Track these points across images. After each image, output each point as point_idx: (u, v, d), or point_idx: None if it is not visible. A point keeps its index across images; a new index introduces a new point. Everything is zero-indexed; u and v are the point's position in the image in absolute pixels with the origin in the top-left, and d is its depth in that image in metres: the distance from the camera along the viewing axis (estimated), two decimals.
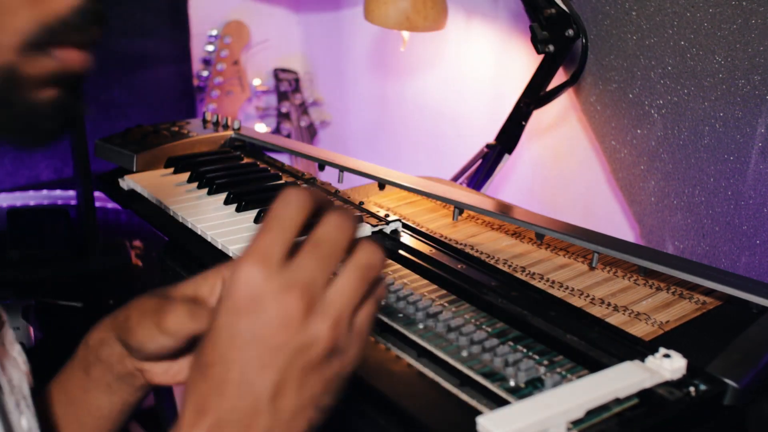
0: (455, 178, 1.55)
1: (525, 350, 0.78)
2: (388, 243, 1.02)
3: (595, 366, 0.75)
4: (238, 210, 1.11)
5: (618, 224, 1.49)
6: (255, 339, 0.53)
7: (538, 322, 0.82)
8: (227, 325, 0.53)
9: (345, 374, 0.57)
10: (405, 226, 1.08)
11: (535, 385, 0.72)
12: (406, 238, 1.05)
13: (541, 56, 1.42)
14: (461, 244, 1.07)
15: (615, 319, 0.87)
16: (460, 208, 1.08)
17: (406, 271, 0.95)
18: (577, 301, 0.91)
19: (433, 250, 1.01)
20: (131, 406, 0.76)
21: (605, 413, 0.67)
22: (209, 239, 1.03)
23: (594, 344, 0.78)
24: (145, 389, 0.75)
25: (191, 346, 0.67)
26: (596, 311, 0.88)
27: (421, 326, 0.82)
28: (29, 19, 0.50)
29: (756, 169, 1.17)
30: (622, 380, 0.68)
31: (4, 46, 0.50)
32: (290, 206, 0.58)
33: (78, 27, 0.52)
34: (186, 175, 1.23)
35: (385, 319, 0.83)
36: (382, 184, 1.18)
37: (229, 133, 1.39)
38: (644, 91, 1.33)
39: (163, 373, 0.72)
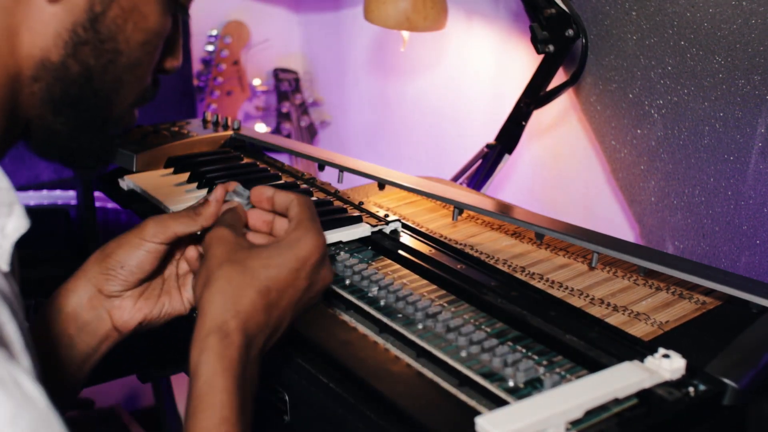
0: (455, 178, 1.55)
1: (524, 350, 0.78)
2: (388, 243, 1.02)
3: (594, 366, 0.74)
4: None
5: (618, 224, 1.49)
6: (306, 286, 0.74)
7: (538, 322, 0.82)
8: (295, 269, 0.72)
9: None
10: (405, 226, 1.08)
11: (534, 386, 0.72)
12: (405, 238, 1.05)
13: (541, 56, 1.42)
14: (461, 244, 1.07)
15: (614, 319, 0.87)
16: (459, 208, 1.08)
17: (406, 271, 0.95)
18: (576, 301, 0.91)
19: (433, 250, 1.01)
20: (90, 359, 0.82)
21: (604, 413, 0.67)
22: None
23: (593, 344, 0.78)
24: (105, 340, 0.82)
25: (154, 274, 0.82)
26: (596, 311, 0.88)
27: (420, 326, 0.82)
28: (144, 86, 0.72)
29: (756, 169, 1.17)
30: (622, 380, 0.68)
31: (127, 102, 0.71)
32: (311, 202, 0.78)
33: (153, 95, 0.75)
34: (186, 175, 1.23)
35: (385, 319, 0.83)
36: (381, 184, 1.18)
37: (229, 133, 1.39)
38: (644, 91, 1.33)
39: (131, 308, 0.82)
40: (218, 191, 0.81)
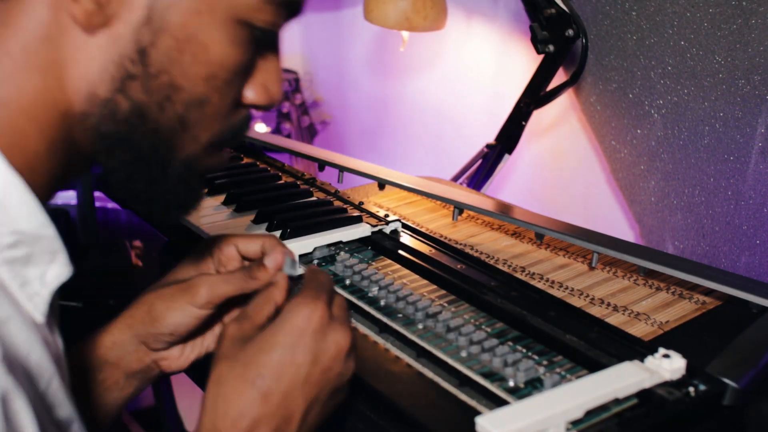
0: (455, 178, 1.55)
1: (524, 350, 0.78)
2: (388, 243, 1.02)
3: (594, 366, 0.74)
4: (237, 210, 1.11)
5: (618, 224, 1.49)
6: (313, 361, 0.64)
7: (538, 322, 0.82)
8: (289, 344, 0.64)
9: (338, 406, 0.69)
10: (405, 226, 1.08)
11: (534, 386, 0.72)
12: (405, 238, 1.05)
13: (541, 56, 1.42)
14: (461, 244, 1.07)
15: (614, 319, 0.87)
16: (459, 208, 1.08)
17: (406, 271, 0.95)
18: (576, 301, 0.91)
19: (433, 250, 1.01)
20: (134, 397, 0.82)
21: (604, 413, 0.67)
22: None
23: (593, 344, 0.78)
24: (153, 379, 0.81)
25: (205, 326, 0.79)
26: (596, 311, 0.88)
27: (420, 326, 0.82)
28: (225, 124, 0.62)
29: (756, 169, 1.17)
30: (622, 380, 0.68)
31: (200, 142, 0.61)
32: (327, 276, 0.71)
33: (242, 132, 0.65)
34: None
35: (385, 319, 0.83)
36: (381, 184, 1.18)
37: None
38: (644, 91, 1.33)
39: (178, 356, 0.80)
40: (278, 257, 0.76)
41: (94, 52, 0.56)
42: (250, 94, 0.63)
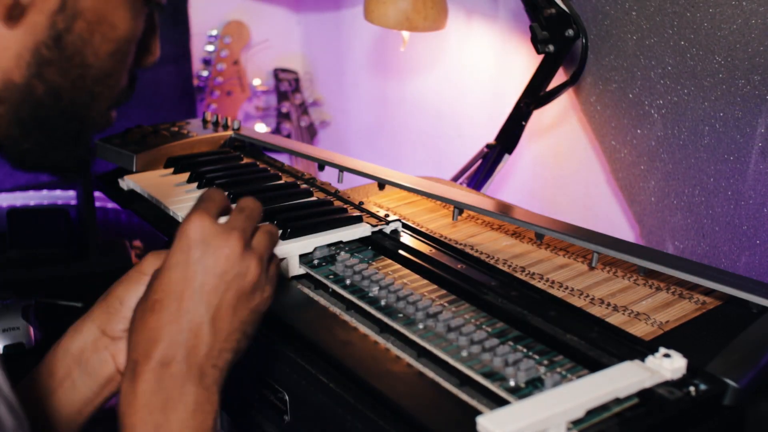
0: (455, 178, 1.55)
1: (525, 350, 0.78)
2: (389, 243, 1.02)
3: (595, 366, 0.75)
4: None
5: (618, 224, 1.49)
6: (204, 268, 0.66)
7: (538, 322, 0.82)
8: (180, 262, 0.67)
9: (263, 309, 0.72)
10: (405, 226, 1.08)
11: (535, 385, 0.72)
12: (405, 238, 1.05)
13: (541, 56, 1.42)
14: (461, 244, 1.07)
15: (615, 319, 0.87)
16: (459, 208, 1.08)
17: (406, 271, 0.95)
18: (577, 301, 0.91)
19: (433, 250, 1.01)
20: (91, 404, 0.79)
21: (605, 413, 0.67)
22: None
23: (594, 344, 0.78)
24: (108, 384, 0.79)
25: None
26: (596, 311, 0.88)
27: (421, 326, 0.82)
28: (121, 88, 0.68)
29: (756, 169, 1.17)
30: (622, 380, 0.68)
31: (102, 109, 0.67)
32: (217, 191, 0.74)
33: (130, 95, 0.71)
34: (186, 175, 1.23)
35: (385, 319, 0.83)
36: (381, 184, 1.18)
37: (229, 133, 1.39)
38: (644, 91, 1.33)
39: None
40: None
41: (8, 42, 0.59)
42: (142, 57, 0.71)
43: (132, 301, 0.76)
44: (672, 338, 0.83)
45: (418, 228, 1.09)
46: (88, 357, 0.78)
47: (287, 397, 0.84)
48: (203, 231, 0.67)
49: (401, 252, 0.99)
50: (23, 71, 0.61)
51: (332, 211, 1.07)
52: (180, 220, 1.10)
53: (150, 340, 0.65)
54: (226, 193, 1.14)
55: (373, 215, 1.08)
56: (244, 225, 0.71)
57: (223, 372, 0.68)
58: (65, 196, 1.88)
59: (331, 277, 0.92)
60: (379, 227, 1.05)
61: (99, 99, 0.66)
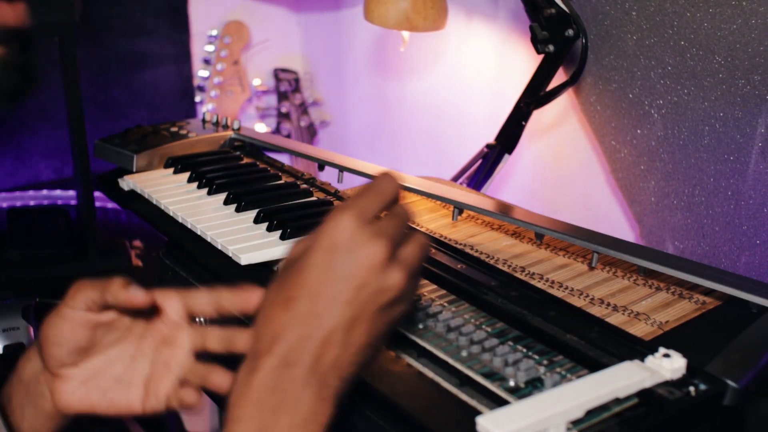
0: (455, 178, 1.55)
1: (525, 350, 0.78)
2: None
3: (595, 366, 0.75)
4: (237, 210, 1.11)
5: (618, 224, 1.49)
6: (345, 275, 0.60)
7: (538, 322, 0.82)
8: (322, 262, 0.61)
9: (397, 321, 0.65)
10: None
11: (534, 385, 0.72)
12: None
13: (541, 56, 1.42)
14: (461, 244, 1.07)
15: (615, 319, 0.87)
16: (459, 208, 1.08)
17: None
18: (577, 301, 0.91)
19: (433, 250, 1.01)
20: None
21: (605, 413, 0.67)
22: (209, 239, 1.03)
23: (594, 344, 0.78)
24: (48, 420, 0.75)
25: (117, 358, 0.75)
26: (596, 311, 0.88)
27: (420, 326, 0.82)
28: None
29: (756, 169, 1.17)
30: (622, 380, 0.68)
31: None
32: (388, 182, 0.65)
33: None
34: (186, 176, 1.23)
35: None
36: None
37: (229, 133, 1.39)
38: (644, 91, 1.33)
39: (71, 390, 0.74)
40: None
41: None
42: None
43: (64, 339, 0.72)
44: (672, 338, 0.83)
45: (418, 228, 1.09)
46: (33, 388, 0.75)
47: None
48: (352, 234, 0.61)
49: None
50: None
51: None
52: (180, 220, 1.10)
53: (276, 336, 0.61)
54: (226, 194, 1.15)
55: None
56: (395, 233, 0.63)
57: (343, 385, 0.62)
58: (65, 196, 1.88)
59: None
60: None
61: None
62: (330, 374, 0.61)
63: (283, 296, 0.62)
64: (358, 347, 0.62)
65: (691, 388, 0.70)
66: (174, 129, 1.39)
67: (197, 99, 2.22)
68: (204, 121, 1.45)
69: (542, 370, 0.75)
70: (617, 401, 0.68)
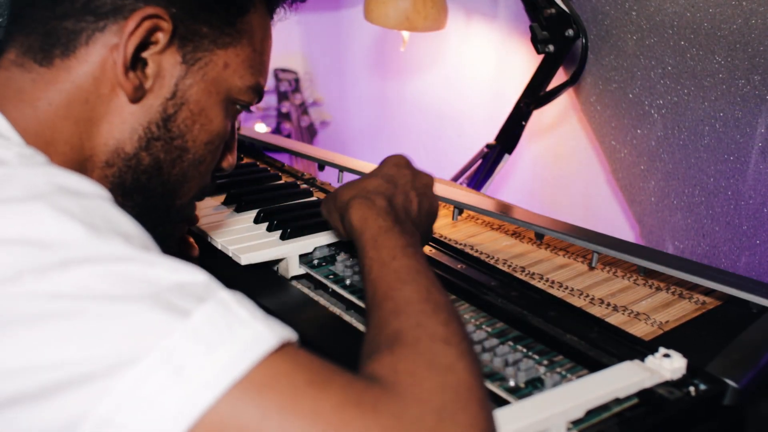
0: (455, 178, 1.55)
1: (525, 350, 0.78)
2: None
3: (595, 366, 0.74)
4: (237, 210, 1.11)
5: (618, 224, 1.49)
6: (413, 177, 0.89)
7: (538, 322, 0.82)
8: (394, 168, 0.88)
9: (432, 213, 0.90)
10: None
11: (534, 385, 0.72)
12: None
13: (541, 56, 1.42)
14: (461, 244, 1.07)
15: (615, 319, 0.87)
16: (460, 208, 1.08)
17: None
18: (577, 301, 0.91)
19: (433, 250, 1.01)
20: None
21: (605, 413, 0.67)
22: (209, 239, 1.03)
23: (594, 344, 0.78)
24: None
25: None
26: (596, 311, 0.88)
27: None
28: (206, 183, 0.82)
29: (756, 169, 1.17)
30: (622, 380, 0.68)
31: (190, 195, 0.80)
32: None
33: (210, 190, 0.85)
34: None
35: None
36: None
37: None
38: (644, 91, 1.33)
39: None
40: None
41: (126, 116, 0.71)
42: (225, 160, 0.84)
43: None
44: (672, 338, 0.83)
45: None
46: None
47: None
48: (409, 161, 0.92)
49: None
50: (135, 143, 0.72)
51: None
52: None
53: (377, 187, 0.83)
54: (226, 194, 1.14)
55: None
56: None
57: (418, 226, 0.83)
58: None
59: (331, 277, 0.92)
60: None
61: (191, 182, 0.78)
62: (416, 223, 0.83)
63: (368, 176, 0.86)
64: (422, 223, 0.85)
65: (691, 388, 0.70)
66: None
67: None
68: None
69: (542, 370, 0.75)
70: (617, 401, 0.68)
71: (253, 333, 0.52)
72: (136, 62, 0.70)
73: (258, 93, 0.81)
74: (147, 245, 0.58)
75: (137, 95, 0.71)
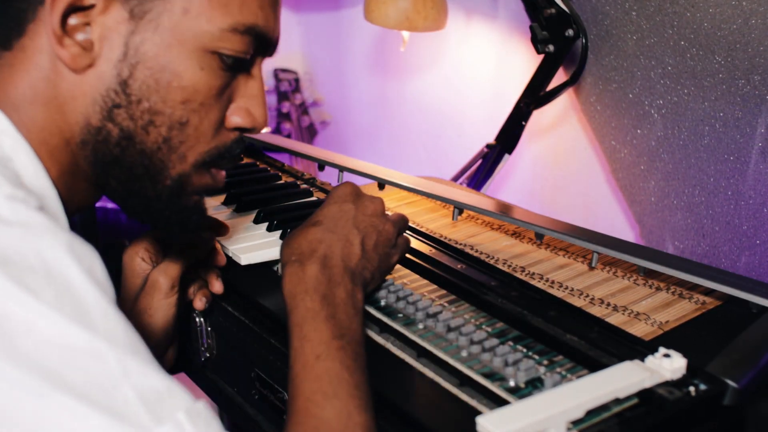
0: (455, 178, 1.55)
1: (525, 350, 0.78)
2: None
3: (595, 366, 0.75)
4: (237, 210, 1.11)
5: (618, 224, 1.49)
6: (355, 210, 0.84)
7: (538, 322, 0.82)
8: (334, 204, 0.85)
9: (390, 267, 0.90)
10: None
11: (535, 385, 0.72)
12: None
13: (541, 56, 1.42)
14: (461, 244, 1.07)
15: (615, 319, 0.87)
16: (459, 208, 1.08)
17: (406, 271, 0.95)
18: (577, 301, 0.91)
19: (433, 250, 1.01)
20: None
21: (605, 413, 0.67)
22: None
23: (594, 344, 0.78)
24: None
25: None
26: (596, 311, 0.88)
27: (421, 326, 0.82)
28: (210, 145, 0.71)
29: (756, 169, 1.17)
30: (622, 380, 0.68)
31: (188, 161, 0.70)
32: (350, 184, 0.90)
33: (232, 154, 0.74)
34: None
35: (385, 319, 0.83)
36: (382, 184, 1.18)
37: None
38: (644, 91, 1.33)
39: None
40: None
41: (85, 88, 0.66)
42: (234, 117, 0.72)
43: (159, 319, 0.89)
44: (672, 338, 0.83)
45: (418, 228, 1.09)
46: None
47: (287, 397, 0.84)
48: (354, 190, 0.87)
49: None
50: (98, 115, 0.67)
51: None
52: None
53: (313, 244, 0.79)
54: (226, 194, 1.14)
55: None
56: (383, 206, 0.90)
57: (366, 283, 0.82)
58: None
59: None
60: None
61: (177, 147, 0.69)
62: (357, 268, 0.80)
63: (310, 222, 0.83)
64: (371, 256, 0.83)
65: (691, 388, 0.70)
66: None
67: None
68: None
69: (542, 370, 0.75)
70: (617, 401, 0.68)
71: None
72: (75, 29, 0.64)
73: (247, 34, 0.68)
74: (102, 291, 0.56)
75: (81, 64, 0.65)
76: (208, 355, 0.98)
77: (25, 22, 0.65)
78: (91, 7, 0.64)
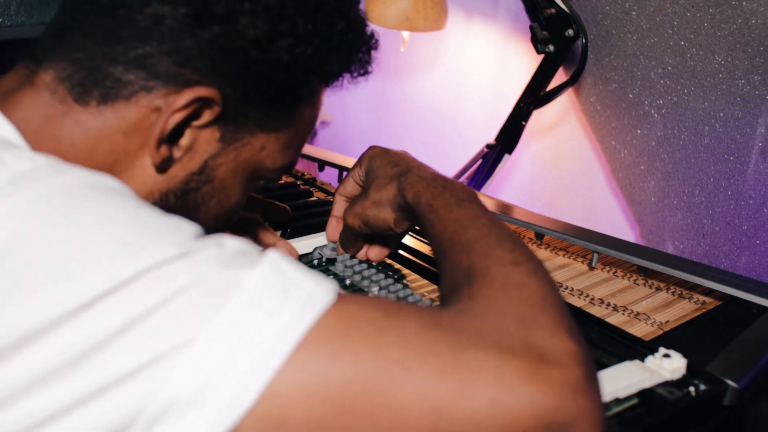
0: (455, 178, 1.55)
1: None
2: None
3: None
4: None
5: (618, 224, 1.49)
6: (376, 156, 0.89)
7: None
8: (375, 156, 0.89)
9: None
10: None
11: None
12: (405, 238, 1.05)
13: (541, 56, 1.42)
14: None
15: (615, 319, 0.87)
16: None
17: (406, 271, 0.95)
18: (577, 301, 0.91)
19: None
20: None
21: (605, 413, 0.67)
22: None
23: (594, 344, 0.78)
24: None
25: None
26: (596, 311, 0.88)
27: None
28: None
29: (756, 169, 1.17)
30: (622, 380, 0.68)
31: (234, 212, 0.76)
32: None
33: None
34: None
35: None
36: None
37: None
38: (644, 91, 1.33)
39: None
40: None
41: (147, 178, 0.67)
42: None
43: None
44: (672, 338, 0.83)
45: (418, 228, 1.09)
46: None
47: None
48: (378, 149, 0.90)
49: (401, 252, 0.99)
50: (146, 198, 0.67)
51: None
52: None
53: (394, 168, 0.85)
54: None
55: None
56: None
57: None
58: None
59: (332, 277, 0.92)
60: None
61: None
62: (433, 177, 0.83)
63: (375, 175, 0.86)
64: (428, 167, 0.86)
65: (691, 388, 0.70)
66: None
67: None
68: None
69: None
70: (617, 401, 0.68)
71: (314, 287, 0.53)
72: (172, 135, 0.66)
73: (286, 172, 0.77)
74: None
75: (164, 166, 0.66)
76: None
77: (118, 95, 0.64)
78: (197, 118, 0.66)
